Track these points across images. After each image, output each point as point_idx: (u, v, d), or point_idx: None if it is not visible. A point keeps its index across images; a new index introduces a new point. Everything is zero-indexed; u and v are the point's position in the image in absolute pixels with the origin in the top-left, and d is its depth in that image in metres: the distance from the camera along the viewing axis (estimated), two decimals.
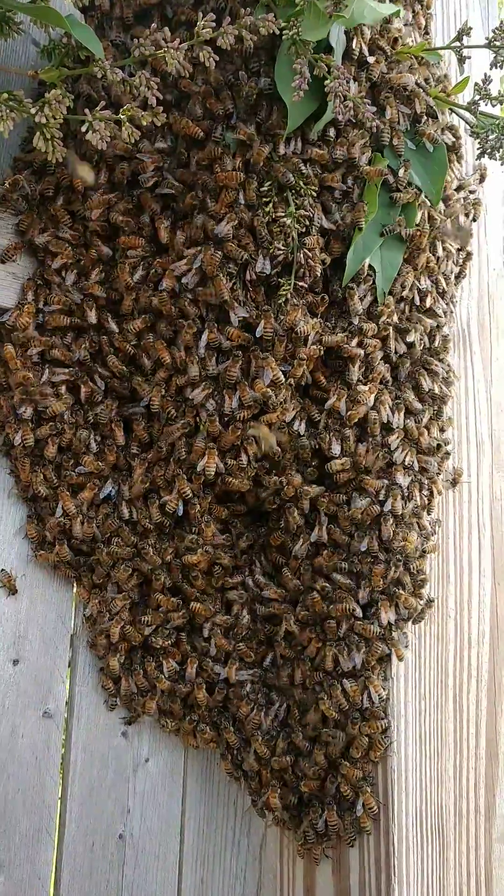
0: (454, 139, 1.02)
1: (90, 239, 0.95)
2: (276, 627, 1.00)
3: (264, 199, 0.91)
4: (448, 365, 1.04)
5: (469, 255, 1.08)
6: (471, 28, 0.98)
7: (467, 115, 1.00)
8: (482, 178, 1.12)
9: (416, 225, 0.97)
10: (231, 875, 1.07)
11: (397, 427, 0.97)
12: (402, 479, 0.96)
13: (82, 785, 0.98)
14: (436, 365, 1.02)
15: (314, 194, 0.92)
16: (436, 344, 1.02)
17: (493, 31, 0.94)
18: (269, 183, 0.91)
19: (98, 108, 0.81)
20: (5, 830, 0.91)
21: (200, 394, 0.92)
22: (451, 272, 1.05)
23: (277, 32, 0.82)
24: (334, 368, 0.97)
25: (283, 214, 0.91)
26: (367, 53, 0.95)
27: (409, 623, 0.98)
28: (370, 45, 0.96)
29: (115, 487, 0.97)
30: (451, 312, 1.06)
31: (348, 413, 0.94)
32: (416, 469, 0.99)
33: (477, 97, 0.96)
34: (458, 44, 0.98)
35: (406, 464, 0.97)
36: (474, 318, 1.13)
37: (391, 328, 0.97)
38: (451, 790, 0.98)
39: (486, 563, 1.08)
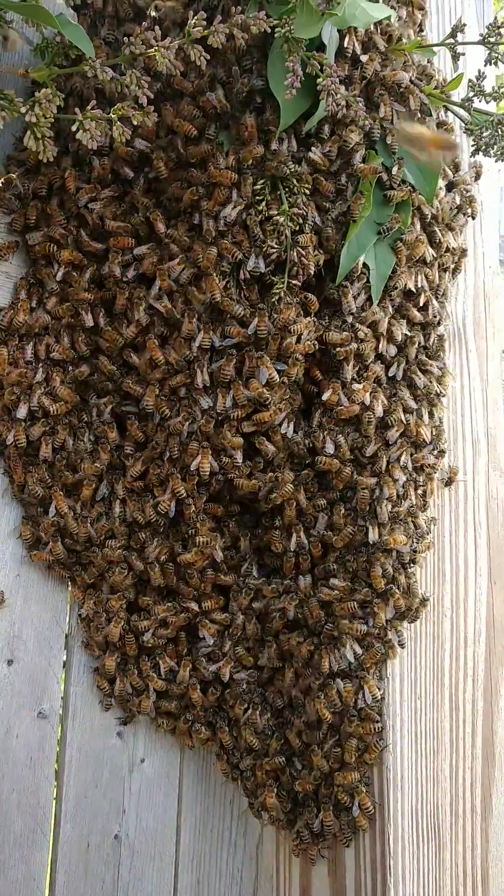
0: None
1: (81, 239, 0.94)
2: (269, 625, 1.00)
3: (257, 198, 0.90)
4: (443, 363, 1.04)
5: (464, 252, 1.07)
6: (465, 25, 0.97)
7: (462, 111, 1.00)
8: (477, 176, 1.11)
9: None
10: (227, 875, 1.07)
11: (393, 425, 0.96)
12: (400, 476, 0.96)
13: (77, 785, 0.98)
14: (431, 364, 1.01)
15: (307, 192, 0.92)
16: (431, 342, 1.02)
17: (487, 28, 0.94)
18: (262, 181, 0.90)
19: (89, 107, 0.81)
20: (0, 831, 0.91)
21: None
22: (446, 269, 1.05)
23: (269, 31, 0.82)
24: (328, 367, 0.97)
25: (276, 212, 0.90)
26: (360, 51, 0.94)
27: (405, 622, 0.98)
28: (364, 43, 0.95)
29: (109, 488, 0.97)
30: (446, 310, 1.06)
31: (337, 408, 0.94)
32: (412, 467, 0.98)
33: (471, 94, 0.96)
34: (452, 40, 0.97)
35: (402, 462, 0.97)
36: (470, 316, 1.13)
37: (384, 327, 0.97)
38: (447, 790, 0.98)
39: (482, 562, 1.08)
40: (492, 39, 0.94)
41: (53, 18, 0.79)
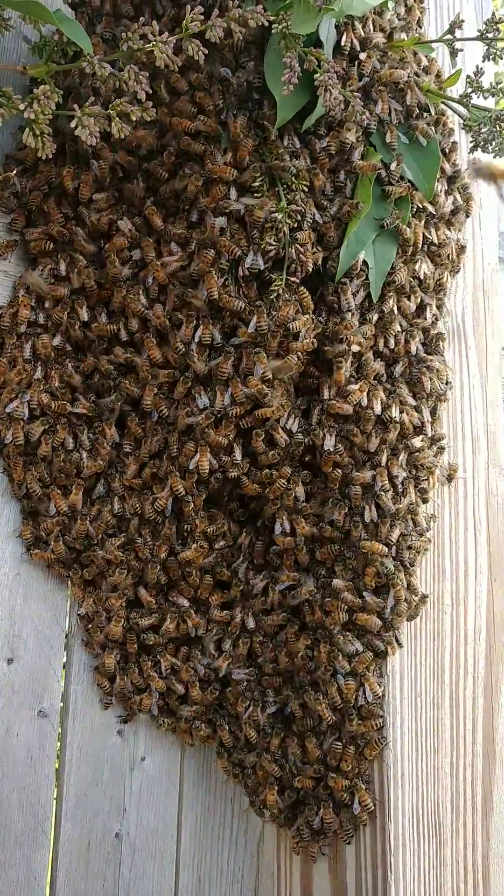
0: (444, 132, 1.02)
1: (75, 236, 0.94)
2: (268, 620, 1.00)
3: (255, 195, 0.90)
4: (443, 360, 1.04)
5: (463, 248, 1.07)
6: (463, 21, 0.97)
7: (460, 108, 1.00)
8: (476, 173, 1.11)
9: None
10: (228, 873, 1.07)
11: (392, 422, 0.96)
12: (399, 472, 0.96)
13: (78, 784, 0.98)
14: (430, 360, 1.01)
15: (305, 189, 0.92)
16: (430, 339, 1.02)
17: (486, 24, 0.94)
18: (259, 178, 0.90)
19: (87, 104, 0.81)
20: (0, 830, 0.91)
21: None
22: (445, 266, 1.04)
23: (266, 24, 0.82)
24: (327, 364, 0.97)
25: (274, 209, 0.90)
26: (358, 47, 0.94)
27: (405, 620, 0.98)
28: (361, 39, 0.95)
29: (106, 486, 0.97)
30: (445, 307, 1.06)
31: (329, 403, 0.94)
32: (410, 464, 0.98)
33: (469, 90, 0.95)
34: (450, 36, 0.97)
35: (400, 460, 0.97)
36: (469, 313, 1.13)
37: (382, 325, 0.97)
38: (447, 787, 0.98)
39: (482, 559, 1.08)
40: (490, 35, 0.94)
41: (51, 15, 0.79)
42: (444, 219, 1.03)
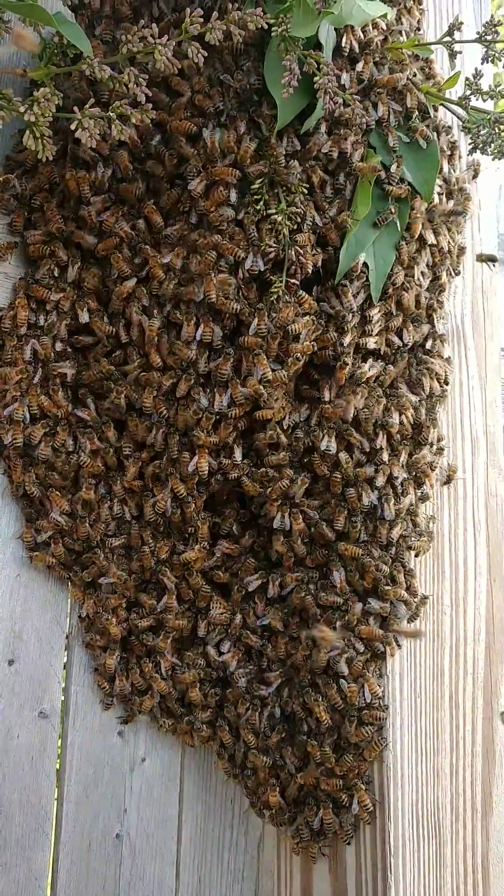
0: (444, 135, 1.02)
1: (76, 232, 0.95)
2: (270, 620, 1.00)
3: (255, 197, 0.90)
4: (443, 361, 1.04)
5: (462, 249, 1.07)
6: (462, 23, 0.97)
7: (459, 110, 1.00)
8: (475, 174, 1.11)
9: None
10: (229, 874, 1.07)
11: (392, 424, 0.96)
12: (399, 473, 0.96)
13: (78, 785, 0.98)
14: (430, 362, 1.01)
15: (305, 191, 0.92)
16: (429, 340, 1.02)
17: (484, 26, 0.94)
18: (259, 180, 0.90)
19: (87, 106, 0.81)
20: (1, 831, 0.91)
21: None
22: (445, 268, 1.05)
23: (266, 27, 0.82)
24: (326, 364, 0.97)
25: (273, 211, 0.90)
26: (357, 50, 0.94)
27: (405, 621, 0.98)
28: (361, 42, 0.95)
29: (107, 487, 0.97)
30: (444, 308, 1.06)
31: (323, 406, 0.94)
32: (410, 465, 0.98)
33: (468, 92, 0.96)
34: (449, 39, 0.97)
35: (401, 460, 0.97)
36: (468, 314, 1.13)
37: (383, 327, 0.97)
38: (447, 788, 0.98)
39: (481, 560, 1.08)
40: (489, 38, 0.94)
41: (51, 17, 0.80)
42: (444, 219, 1.03)
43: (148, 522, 0.97)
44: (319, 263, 0.94)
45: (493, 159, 0.93)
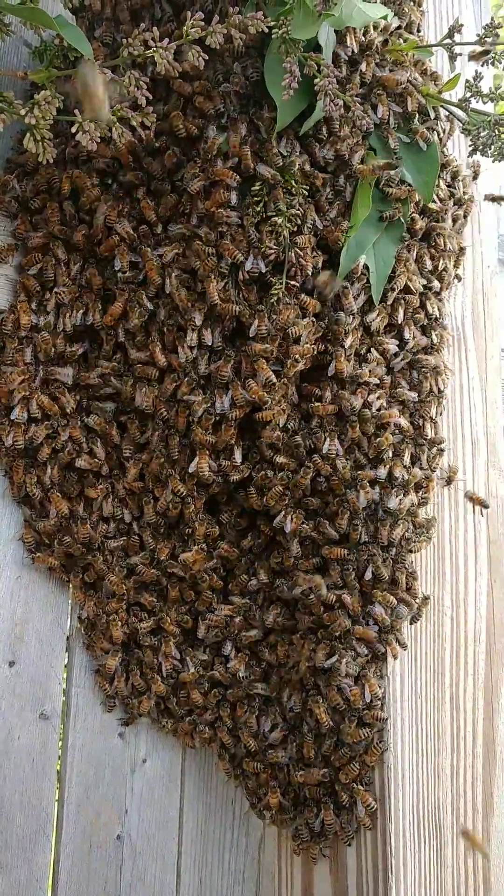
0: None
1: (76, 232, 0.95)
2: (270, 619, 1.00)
3: (255, 199, 0.90)
4: (443, 362, 1.04)
5: (462, 250, 1.08)
6: (462, 25, 0.98)
7: (459, 112, 1.00)
8: (475, 176, 1.12)
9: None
10: (229, 875, 1.07)
11: (389, 425, 0.96)
12: (399, 473, 0.96)
13: (79, 786, 0.98)
14: (430, 362, 1.01)
15: (305, 193, 0.92)
16: (430, 341, 1.02)
17: (484, 28, 0.94)
18: (259, 182, 0.90)
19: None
20: (2, 832, 0.91)
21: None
22: (446, 269, 1.05)
23: (266, 31, 0.82)
24: (327, 365, 0.97)
25: (273, 213, 0.90)
26: (357, 52, 0.95)
27: (407, 622, 0.98)
28: (361, 44, 0.96)
29: (109, 488, 0.97)
30: (445, 309, 1.06)
31: (314, 406, 0.94)
32: (411, 465, 0.98)
33: (469, 94, 0.96)
34: (449, 41, 0.98)
35: (405, 460, 0.97)
36: (469, 316, 1.13)
37: (382, 327, 0.97)
38: (448, 788, 0.98)
39: (482, 561, 1.08)
40: (489, 40, 0.94)
41: (52, 20, 0.80)
42: (443, 220, 1.03)
43: (148, 524, 0.97)
44: (320, 265, 0.94)
45: (494, 161, 0.93)
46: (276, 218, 0.90)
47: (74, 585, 0.98)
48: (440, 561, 1.04)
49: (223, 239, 0.90)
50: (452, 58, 0.98)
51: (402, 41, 0.98)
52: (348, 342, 0.95)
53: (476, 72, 0.95)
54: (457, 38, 0.97)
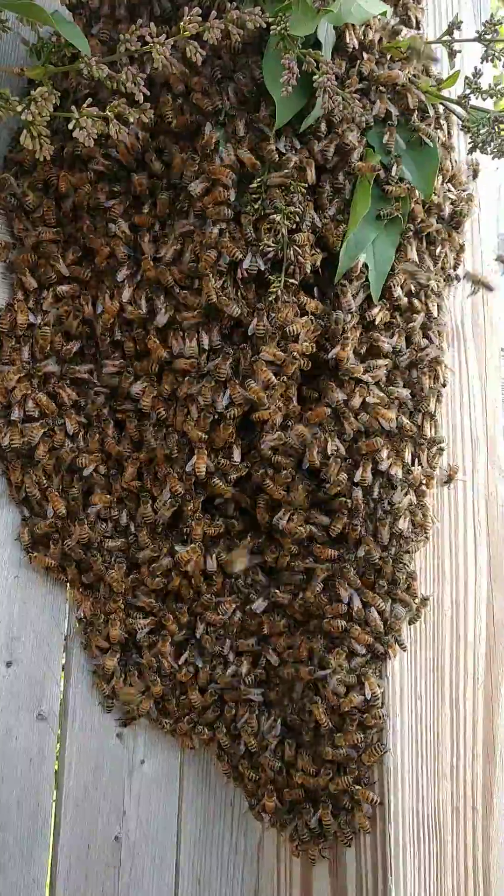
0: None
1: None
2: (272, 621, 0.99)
3: (253, 196, 0.90)
4: (442, 361, 1.04)
5: (462, 247, 1.07)
6: (461, 22, 0.97)
7: (458, 109, 1.00)
8: (475, 174, 1.11)
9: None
10: (228, 876, 1.07)
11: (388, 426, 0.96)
12: (399, 473, 0.96)
13: (77, 787, 0.97)
14: (429, 355, 1.01)
15: (304, 190, 0.92)
16: (429, 340, 1.02)
17: (484, 25, 0.94)
18: (258, 180, 0.90)
19: (85, 105, 0.81)
20: (0, 833, 0.91)
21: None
22: (446, 268, 1.04)
23: (264, 26, 0.81)
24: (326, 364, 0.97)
25: (272, 211, 0.90)
26: (357, 48, 0.94)
27: (406, 623, 0.98)
28: (360, 41, 0.95)
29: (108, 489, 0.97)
30: (444, 308, 1.06)
31: (307, 414, 0.94)
32: (411, 464, 0.98)
33: (468, 91, 0.95)
34: (449, 37, 0.97)
35: (405, 458, 0.96)
36: (468, 315, 1.13)
37: (382, 327, 0.96)
38: (447, 789, 0.98)
39: (482, 562, 1.08)
40: (488, 37, 0.94)
41: (49, 16, 0.79)
42: (443, 219, 1.03)
43: (145, 523, 0.97)
44: (318, 263, 0.94)
45: (493, 158, 0.93)
46: (275, 215, 0.90)
47: (73, 586, 0.98)
48: (440, 561, 1.04)
49: (222, 237, 0.90)
50: (452, 54, 0.97)
51: (401, 37, 0.97)
52: (349, 338, 0.94)
53: (476, 68, 0.94)
54: (456, 34, 0.97)
